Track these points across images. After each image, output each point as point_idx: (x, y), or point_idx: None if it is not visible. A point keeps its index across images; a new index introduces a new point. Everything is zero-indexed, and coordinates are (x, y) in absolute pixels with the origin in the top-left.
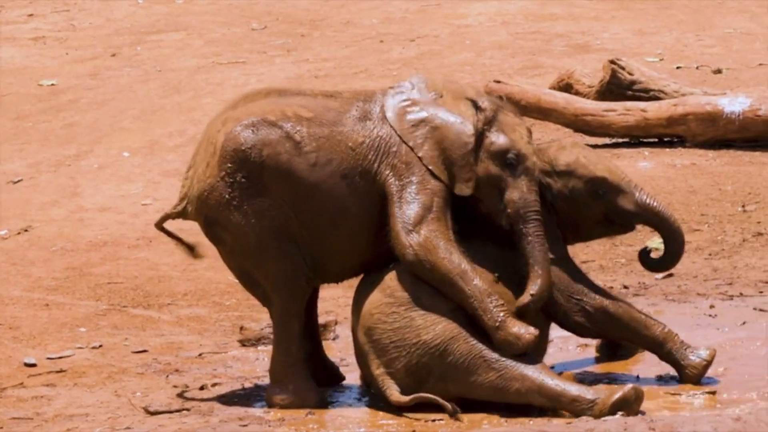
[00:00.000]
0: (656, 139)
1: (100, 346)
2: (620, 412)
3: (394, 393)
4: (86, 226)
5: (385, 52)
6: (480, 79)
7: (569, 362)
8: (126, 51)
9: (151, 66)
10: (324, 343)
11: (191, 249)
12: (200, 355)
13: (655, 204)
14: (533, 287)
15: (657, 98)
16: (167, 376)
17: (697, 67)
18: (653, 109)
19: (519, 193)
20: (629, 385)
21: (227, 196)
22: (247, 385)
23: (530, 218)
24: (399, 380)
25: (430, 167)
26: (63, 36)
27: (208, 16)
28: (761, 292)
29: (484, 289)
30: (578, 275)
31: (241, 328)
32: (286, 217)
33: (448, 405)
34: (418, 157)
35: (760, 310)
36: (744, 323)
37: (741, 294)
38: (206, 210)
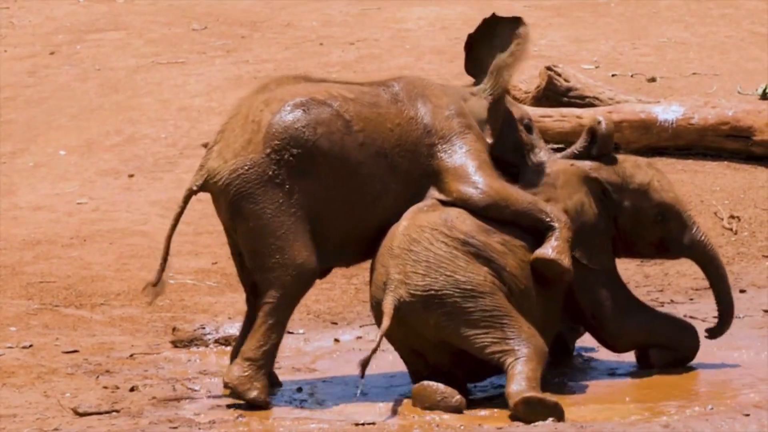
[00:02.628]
0: None
1: (31, 345)
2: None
3: (389, 300)
4: (20, 224)
5: (325, 54)
6: None
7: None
8: (65, 49)
9: (90, 65)
10: None
11: (155, 283)
12: (132, 355)
13: (708, 245)
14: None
15: (592, 105)
16: (98, 377)
17: (631, 75)
18: (588, 116)
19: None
20: (552, 398)
21: (270, 173)
22: (179, 386)
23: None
24: (410, 295)
25: (467, 133)
26: (2, 33)
27: (149, 15)
28: (692, 299)
29: (559, 214)
30: (621, 289)
31: (174, 329)
32: (326, 199)
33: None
34: (452, 128)
35: (691, 317)
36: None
37: (672, 301)
38: (240, 184)
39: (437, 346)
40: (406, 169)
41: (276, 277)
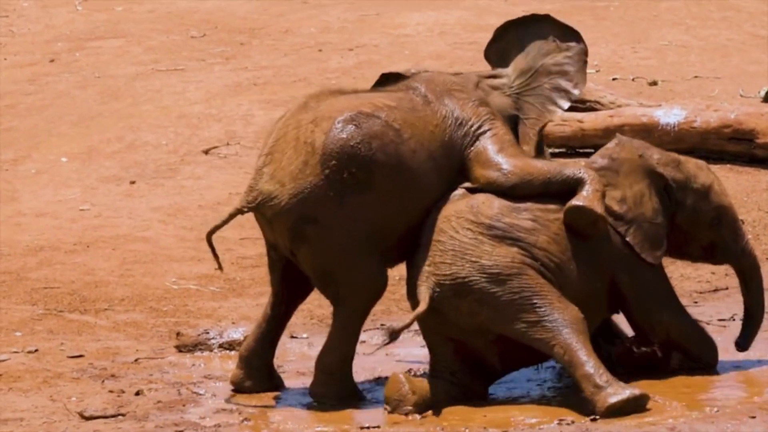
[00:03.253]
0: (593, 150)
1: (36, 350)
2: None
3: (423, 289)
4: (23, 230)
5: (324, 61)
6: None
7: None
8: (65, 57)
9: (89, 72)
10: None
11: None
12: (136, 360)
13: (754, 256)
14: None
15: (593, 109)
16: (103, 381)
17: (633, 79)
18: (590, 120)
19: None
20: (634, 392)
21: (331, 193)
22: (184, 390)
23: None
24: (439, 285)
25: (492, 119)
26: (1, 42)
27: (147, 23)
28: (696, 302)
29: (586, 169)
30: (665, 282)
31: (178, 334)
32: (386, 211)
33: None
34: (480, 116)
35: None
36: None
37: None
38: (302, 208)
39: (475, 332)
40: (448, 166)
41: (347, 294)
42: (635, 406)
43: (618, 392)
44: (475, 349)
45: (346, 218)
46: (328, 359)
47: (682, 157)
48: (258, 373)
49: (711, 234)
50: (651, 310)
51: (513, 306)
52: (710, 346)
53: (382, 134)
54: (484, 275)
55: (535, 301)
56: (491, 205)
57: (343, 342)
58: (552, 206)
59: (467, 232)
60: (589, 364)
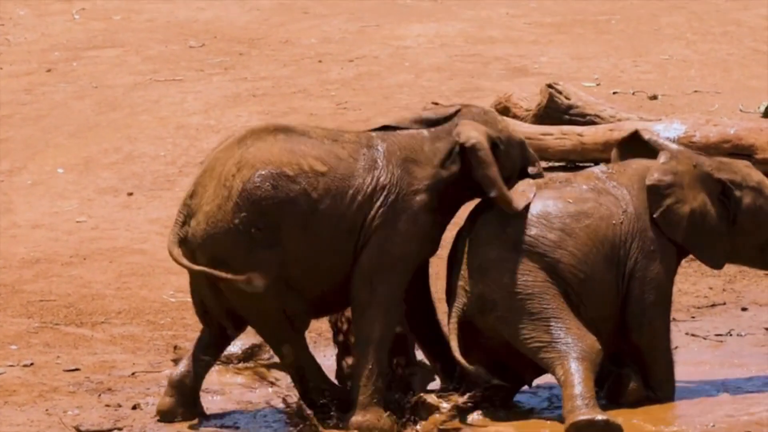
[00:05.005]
0: (592, 164)
1: (32, 364)
2: None
3: (453, 316)
4: (19, 242)
5: (324, 72)
6: (418, 101)
7: None
8: (62, 67)
9: (87, 82)
10: None
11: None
12: (133, 374)
13: None
14: None
15: (593, 123)
16: (99, 395)
17: (633, 93)
18: (590, 134)
19: None
20: (606, 418)
21: (241, 241)
22: None
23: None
24: (467, 302)
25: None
26: None
27: (146, 33)
28: (693, 317)
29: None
30: (668, 303)
31: (175, 348)
32: (295, 270)
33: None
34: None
35: (693, 335)
36: (676, 348)
37: (674, 319)
38: (214, 249)
39: (505, 343)
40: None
41: (263, 335)
42: (603, 430)
43: (589, 413)
44: (507, 361)
45: (256, 267)
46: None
47: (727, 159)
48: (188, 399)
49: (766, 233)
50: (647, 311)
51: (530, 326)
52: (672, 382)
53: (296, 201)
54: (506, 293)
55: (552, 324)
56: (519, 217)
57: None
58: (584, 210)
59: (492, 248)
60: (579, 387)
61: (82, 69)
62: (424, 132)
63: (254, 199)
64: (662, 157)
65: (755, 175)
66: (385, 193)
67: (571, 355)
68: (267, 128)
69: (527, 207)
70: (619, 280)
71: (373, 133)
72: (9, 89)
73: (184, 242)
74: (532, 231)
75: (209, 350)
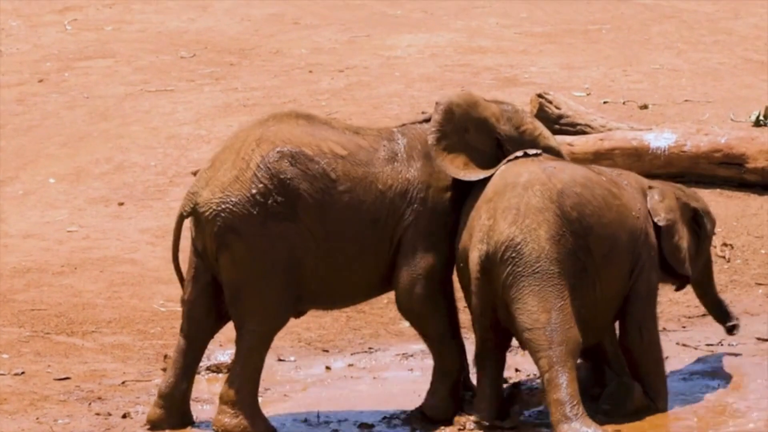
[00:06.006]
0: None
1: (23, 372)
2: None
3: (474, 257)
4: (10, 252)
5: (314, 82)
6: (408, 111)
7: None
8: (53, 77)
9: (78, 92)
10: None
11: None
12: (123, 383)
13: None
14: None
15: (584, 132)
16: (90, 404)
17: (623, 102)
18: (580, 144)
19: None
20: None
21: (254, 212)
22: None
23: None
24: (492, 246)
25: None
26: None
27: (137, 43)
28: (684, 327)
29: None
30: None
31: (165, 357)
32: (307, 249)
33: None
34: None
35: (684, 345)
36: (667, 358)
37: (664, 329)
38: (226, 216)
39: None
40: (391, 227)
41: (239, 315)
42: None
43: (581, 429)
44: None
45: (268, 239)
46: (231, 392)
47: (665, 183)
48: (178, 408)
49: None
50: (644, 311)
51: (534, 298)
52: (664, 393)
53: (314, 179)
54: (533, 248)
55: (555, 304)
56: (564, 170)
57: (247, 372)
58: (617, 193)
59: (537, 194)
60: (565, 390)
61: (74, 79)
62: None
63: (273, 172)
64: (656, 195)
65: (704, 203)
66: (413, 188)
67: (557, 348)
68: (290, 114)
69: (571, 167)
70: (630, 272)
71: (394, 128)
72: (1, 99)
73: (192, 212)
74: (578, 189)
75: (189, 357)
